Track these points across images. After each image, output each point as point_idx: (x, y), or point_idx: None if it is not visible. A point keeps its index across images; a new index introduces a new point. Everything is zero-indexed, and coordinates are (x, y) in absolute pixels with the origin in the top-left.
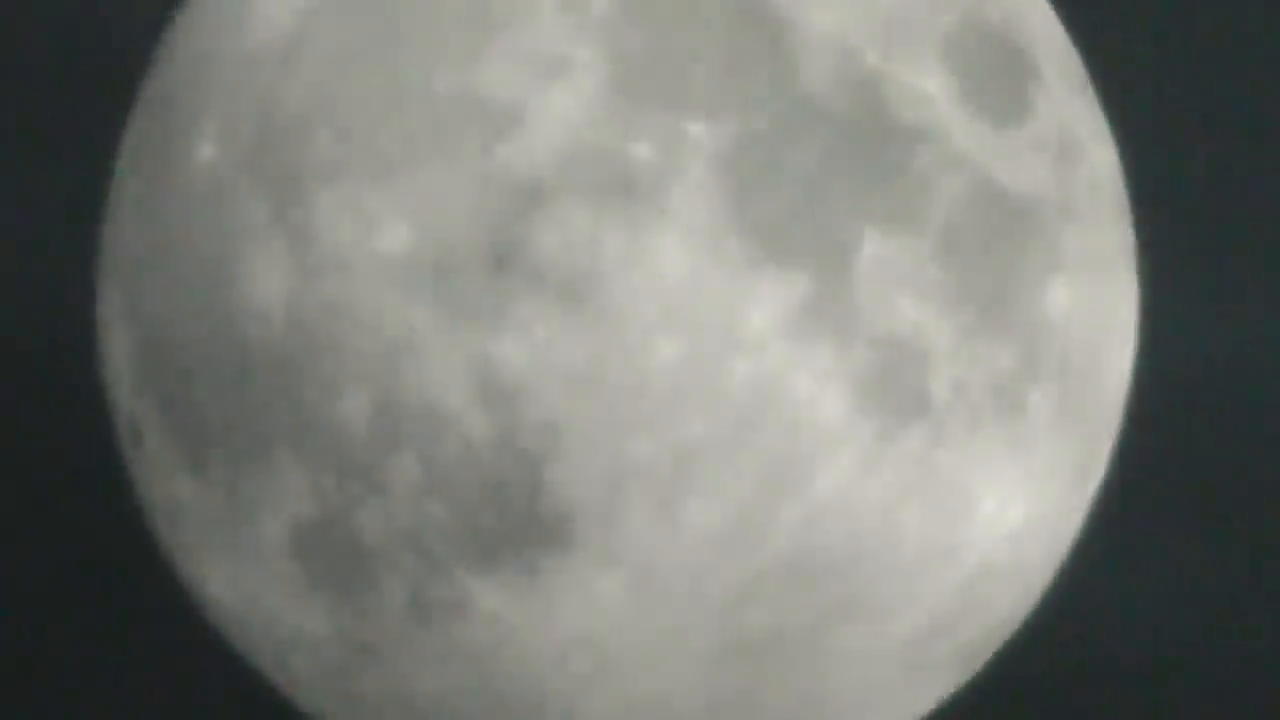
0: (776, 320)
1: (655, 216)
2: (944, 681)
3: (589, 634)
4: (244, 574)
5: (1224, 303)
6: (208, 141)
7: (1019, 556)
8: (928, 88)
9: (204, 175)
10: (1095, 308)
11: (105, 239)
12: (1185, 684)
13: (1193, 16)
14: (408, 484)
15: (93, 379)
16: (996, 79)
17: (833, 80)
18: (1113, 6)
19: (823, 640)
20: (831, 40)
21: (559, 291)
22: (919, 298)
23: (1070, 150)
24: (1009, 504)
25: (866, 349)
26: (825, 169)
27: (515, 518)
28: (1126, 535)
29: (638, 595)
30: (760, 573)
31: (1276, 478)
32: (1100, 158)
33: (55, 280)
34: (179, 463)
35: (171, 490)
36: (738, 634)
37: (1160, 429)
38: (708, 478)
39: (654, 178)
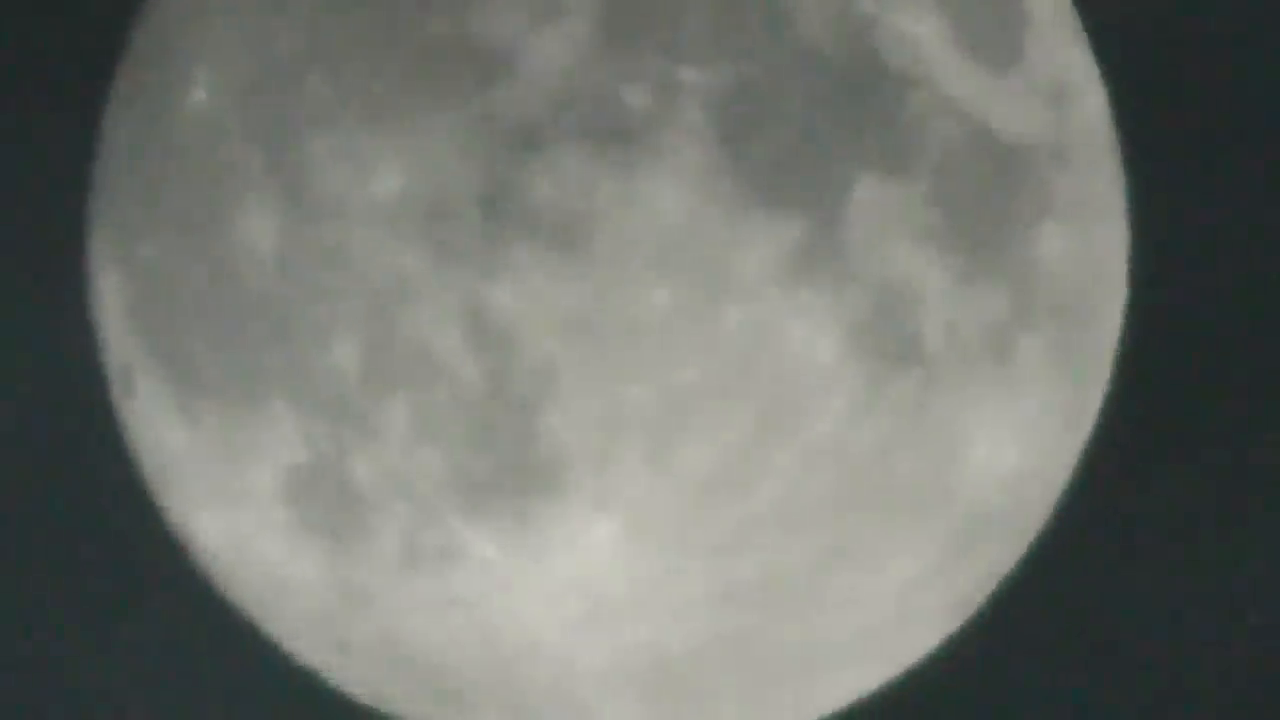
0: (770, 265)
1: (649, 162)
2: (936, 629)
3: (582, 580)
4: (236, 521)
5: (1215, 247)
6: (199, 87)
7: (1011, 503)
8: (921, 33)
9: (195, 121)
10: (1087, 254)
11: (96, 186)
12: (1179, 628)
13: None
14: (400, 430)
15: (85, 327)
16: (989, 24)
17: (826, 26)
18: None
19: (815, 587)
20: None
21: (552, 236)
22: (912, 242)
23: (1063, 96)
24: (1001, 450)
25: (859, 294)
26: (818, 114)
27: (508, 463)
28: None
29: (630, 541)
30: (753, 519)
31: (1265, 421)
32: (1092, 103)
33: (45, 228)
34: (171, 410)
35: (164, 438)
36: (730, 580)
37: (1151, 376)
38: (701, 423)
39: (647, 123)
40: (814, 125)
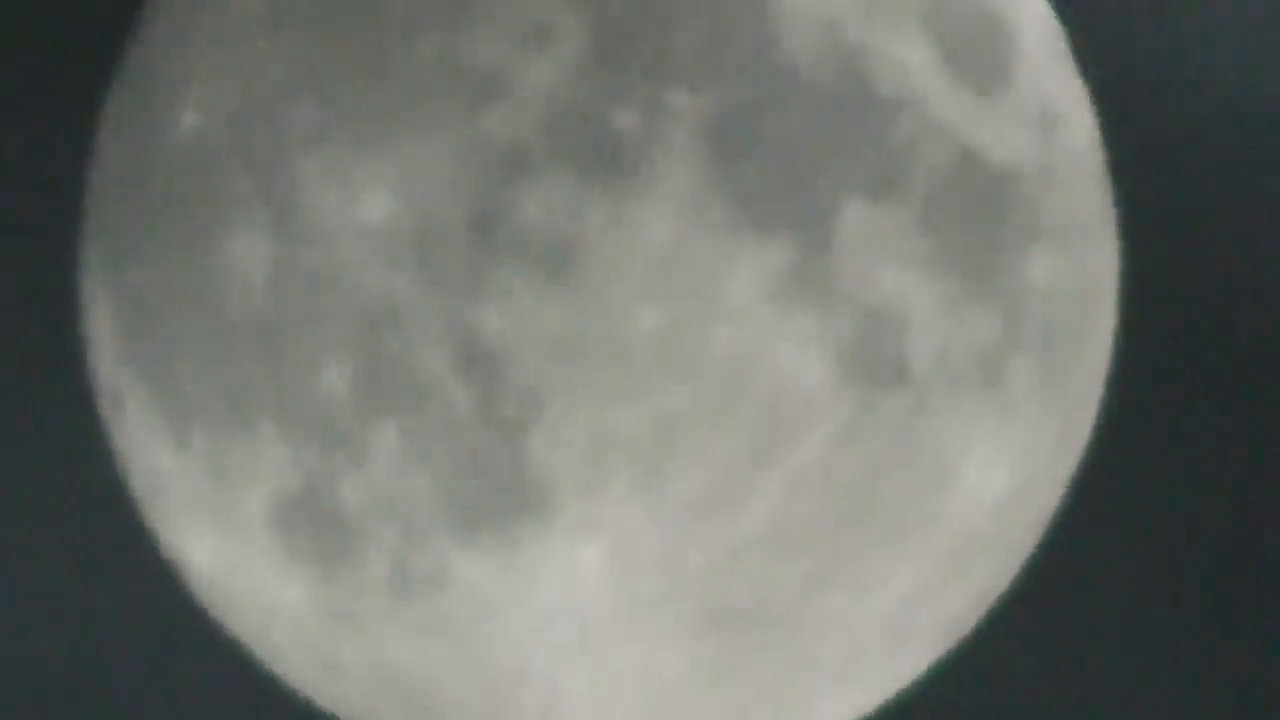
0: (758, 288)
1: (638, 185)
2: (925, 651)
3: (570, 604)
4: (225, 545)
5: (1205, 268)
6: (190, 111)
7: (1001, 526)
8: (909, 57)
9: (186, 145)
10: (1077, 277)
11: (87, 209)
12: (1172, 649)
13: None
14: (389, 454)
15: (75, 349)
16: (977, 49)
17: (815, 51)
18: None
19: (804, 609)
20: (813, 11)
21: (541, 259)
22: (900, 266)
23: (1051, 120)
24: (991, 472)
25: (848, 317)
26: (807, 139)
27: (496, 487)
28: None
29: (619, 565)
30: (742, 541)
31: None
32: (1080, 126)
33: (37, 250)
34: (161, 433)
35: (153, 460)
36: (719, 603)
37: (1141, 400)
38: (689, 446)
39: (636, 146)
40: (803, 149)
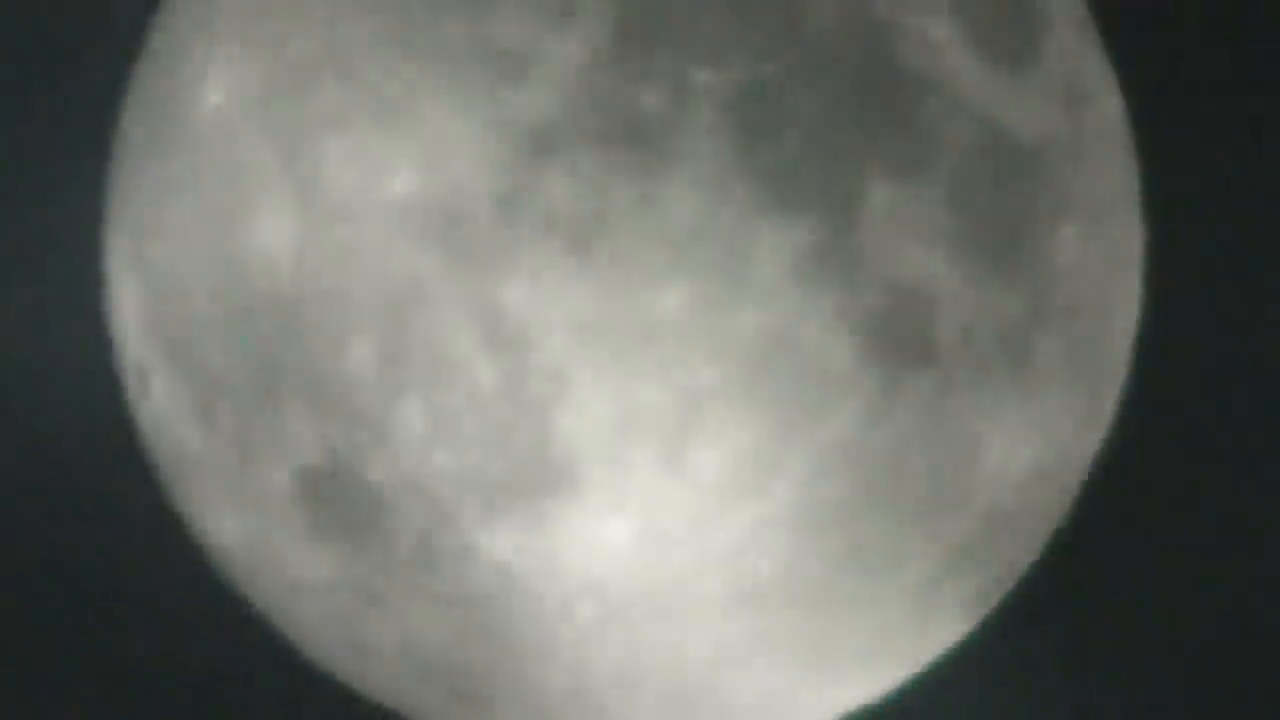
0: (785, 267)
1: (663, 163)
2: (952, 629)
3: (596, 582)
4: (251, 522)
5: (1232, 246)
6: (214, 89)
7: (1026, 504)
8: (936, 35)
9: (210, 123)
10: (1103, 256)
11: (112, 188)
12: (1200, 625)
13: None
14: (415, 432)
15: (101, 329)
16: (1004, 26)
17: (842, 28)
18: None
19: (831, 588)
20: None
21: (566, 238)
22: (927, 245)
23: (1079, 97)
24: (1017, 451)
25: (874, 296)
26: (834, 117)
27: (522, 465)
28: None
29: (645, 543)
30: (768, 520)
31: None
32: (1108, 105)
33: (62, 230)
34: (186, 412)
35: (179, 439)
36: (746, 582)
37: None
38: (715, 425)
39: (662, 124)
40: (829, 127)
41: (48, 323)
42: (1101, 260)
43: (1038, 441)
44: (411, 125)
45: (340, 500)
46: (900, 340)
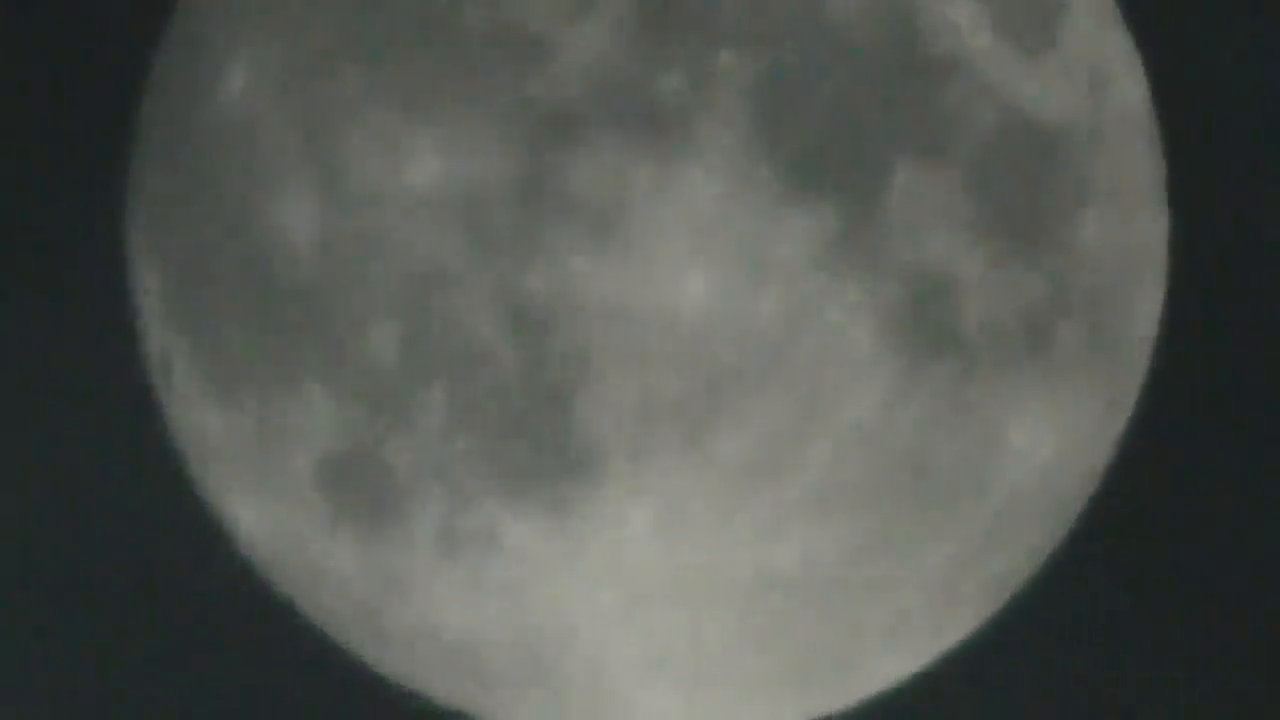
0: (806, 252)
1: (685, 148)
2: (973, 613)
3: (618, 567)
4: (273, 507)
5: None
6: (236, 77)
7: (1048, 490)
8: (959, 18)
9: (232, 111)
10: (1126, 239)
11: (133, 176)
12: (1218, 611)
13: None
14: (437, 416)
15: (124, 315)
16: (1027, 10)
17: (864, 12)
18: None
19: (852, 572)
20: None
21: (588, 223)
22: (949, 230)
23: (1101, 81)
24: (1039, 437)
25: (897, 281)
26: (855, 100)
27: (544, 450)
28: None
29: (667, 528)
30: (790, 505)
31: None
32: (1130, 89)
33: (84, 217)
34: (209, 397)
35: (202, 424)
36: (767, 567)
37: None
38: (737, 410)
39: (683, 109)
40: (851, 111)
41: (70, 310)
42: (1123, 245)
43: (1059, 428)
44: (433, 112)
45: (362, 484)
46: (922, 326)
